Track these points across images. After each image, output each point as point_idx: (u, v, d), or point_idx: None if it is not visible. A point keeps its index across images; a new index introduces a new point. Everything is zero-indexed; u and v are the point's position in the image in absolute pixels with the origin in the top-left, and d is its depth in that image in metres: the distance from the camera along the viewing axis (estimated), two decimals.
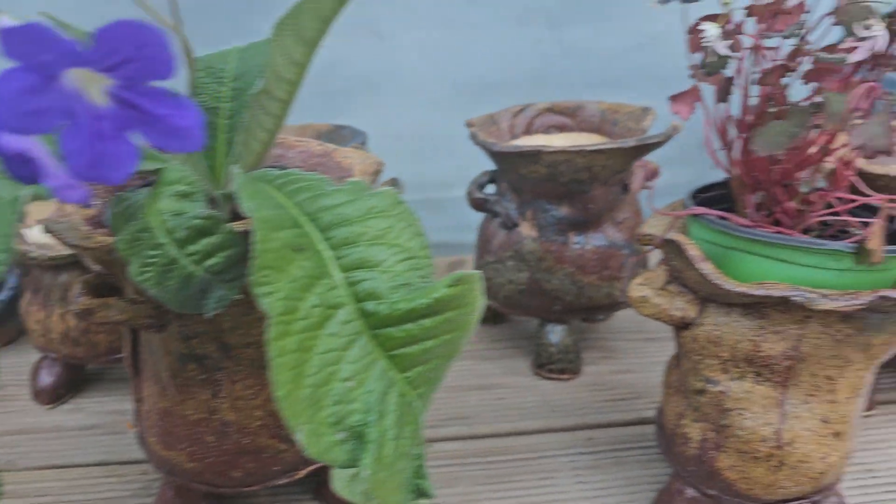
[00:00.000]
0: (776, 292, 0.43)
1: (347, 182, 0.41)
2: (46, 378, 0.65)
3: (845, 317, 0.45)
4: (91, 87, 0.25)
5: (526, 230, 0.66)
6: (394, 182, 0.70)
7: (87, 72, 0.25)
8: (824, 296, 0.42)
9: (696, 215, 0.49)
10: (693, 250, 0.46)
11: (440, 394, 0.68)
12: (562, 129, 0.74)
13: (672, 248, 0.48)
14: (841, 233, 0.49)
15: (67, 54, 0.23)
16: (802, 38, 0.43)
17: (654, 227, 0.52)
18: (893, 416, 0.65)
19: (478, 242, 0.72)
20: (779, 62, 0.42)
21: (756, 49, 0.43)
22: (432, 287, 0.38)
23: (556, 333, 0.69)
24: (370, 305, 0.38)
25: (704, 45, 0.40)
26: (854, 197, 0.48)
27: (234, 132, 0.46)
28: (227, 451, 0.48)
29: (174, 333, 0.45)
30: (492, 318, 0.78)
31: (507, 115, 0.72)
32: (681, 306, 0.49)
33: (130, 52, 0.24)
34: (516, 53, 0.90)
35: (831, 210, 0.47)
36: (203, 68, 0.45)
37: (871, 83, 0.41)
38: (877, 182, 0.57)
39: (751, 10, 0.44)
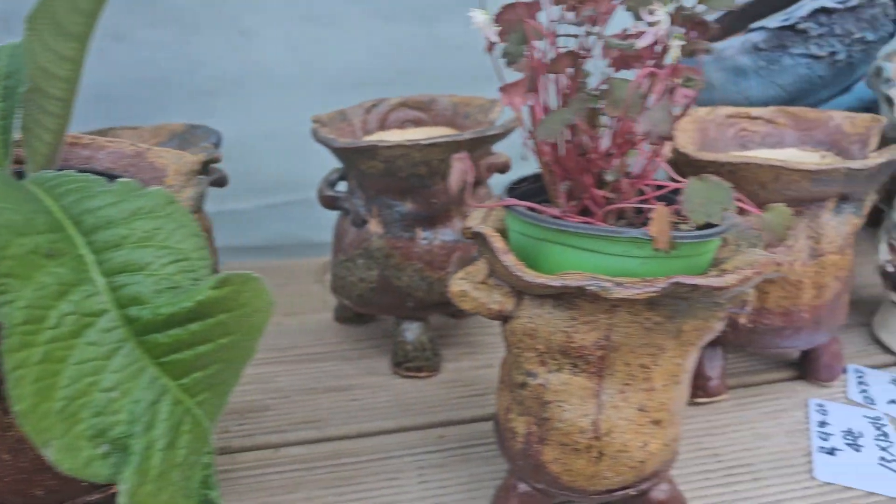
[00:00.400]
0: (572, 282, 0.42)
1: (117, 182, 0.39)
2: None
3: (652, 304, 0.44)
4: None
5: (374, 227, 0.65)
6: (222, 179, 0.68)
7: None
8: (619, 284, 0.42)
9: (509, 207, 0.48)
10: (497, 242, 0.46)
11: (292, 398, 0.66)
12: (417, 123, 0.73)
13: (481, 241, 0.47)
14: None
15: None
16: (594, 24, 0.43)
17: (475, 220, 0.52)
18: (742, 401, 0.66)
19: (332, 241, 0.70)
20: (565, 49, 0.41)
21: (547, 36, 0.42)
22: (196, 290, 0.36)
23: (411, 331, 0.68)
24: (134, 311, 0.36)
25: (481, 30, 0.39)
26: (661, 183, 0.48)
27: (8, 133, 0.43)
28: (24, 469, 0.45)
29: None
30: (354, 318, 0.77)
31: (359, 111, 0.71)
32: (498, 299, 0.48)
33: None
34: (387, 49, 0.89)
35: (641, 197, 0.47)
36: None
37: (652, 69, 0.41)
38: (706, 169, 0.57)
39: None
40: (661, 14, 0.41)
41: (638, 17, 0.42)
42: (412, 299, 0.65)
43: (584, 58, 0.42)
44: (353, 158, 0.61)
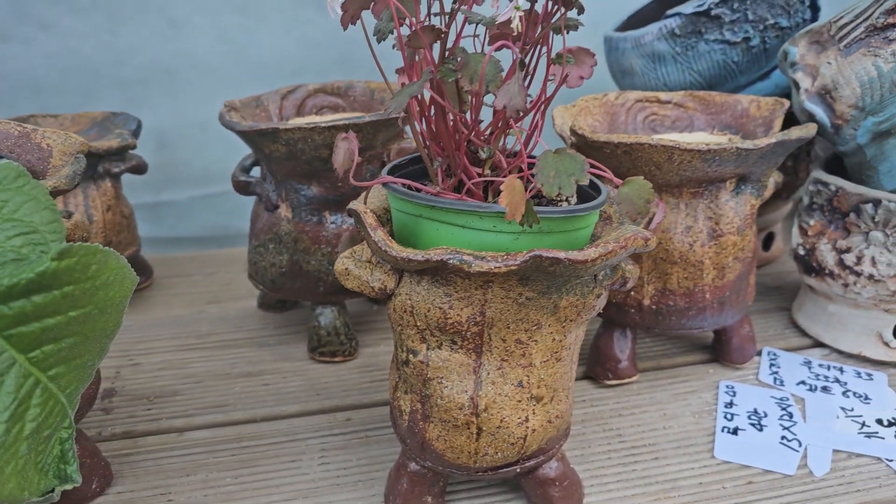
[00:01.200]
0: (434, 256, 0.43)
1: None
2: None
3: (524, 280, 0.45)
4: None
5: (283, 211, 0.65)
6: (141, 166, 0.69)
7: None
8: (480, 258, 0.42)
9: (389, 186, 0.48)
10: (369, 218, 0.46)
11: (204, 383, 0.66)
12: (334, 109, 0.73)
13: (356, 218, 0.47)
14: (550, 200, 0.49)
15: None
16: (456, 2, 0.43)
17: (360, 200, 0.52)
18: (654, 383, 0.66)
19: (250, 227, 0.70)
20: (420, 24, 0.42)
21: (413, 13, 0.42)
22: (38, 261, 0.36)
23: (324, 316, 0.68)
24: None
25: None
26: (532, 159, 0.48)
27: None
28: None
29: None
30: (277, 305, 0.77)
31: (275, 97, 0.71)
32: (379, 277, 0.48)
33: None
34: (321, 39, 0.89)
35: (518, 175, 0.47)
36: None
37: (505, 42, 0.41)
38: (603, 150, 0.58)
39: None
40: None
41: None
42: (323, 284, 0.65)
43: (444, 33, 0.42)
44: (258, 142, 0.61)
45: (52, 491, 0.39)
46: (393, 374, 0.52)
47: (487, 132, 0.48)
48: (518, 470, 0.50)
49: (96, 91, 0.87)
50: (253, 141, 0.62)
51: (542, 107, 0.48)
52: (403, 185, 0.47)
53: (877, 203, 0.63)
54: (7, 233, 0.37)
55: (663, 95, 0.68)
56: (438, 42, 0.43)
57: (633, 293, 0.62)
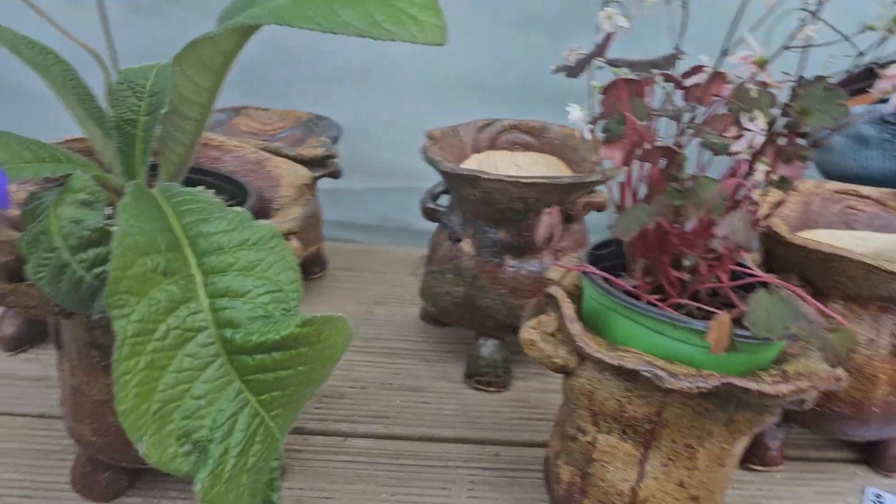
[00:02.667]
0: (628, 364, 0.45)
1: (231, 211, 0.44)
2: (9, 328, 0.71)
3: (706, 394, 0.46)
4: None
5: (467, 247, 0.68)
6: (336, 173, 0.73)
7: None
8: (673, 375, 0.44)
9: (588, 275, 0.50)
10: (567, 308, 0.48)
11: (368, 389, 0.71)
12: (526, 147, 0.75)
13: (552, 303, 0.50)
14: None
15: None
16: (692, 120, 0.44)
17: (556, 274, 0.54)
18: (799, 475, 0.66)
19: (428, 249, 0.74)
20: (660, 143, 0.43)
21: (638, 130, 0.43)
22: (284, 324, 0.41)
23: (486, 347, 0.71)
24: (228, 332, 0.41)
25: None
26: (743, 270, 0.48)
27: (148, 143, 0.49)
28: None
29: (80, 322, 0.49)
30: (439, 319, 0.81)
31: (471, 129, 0.74)
32: (562, 355, 0.51)
33: None
34: (511, 58, 0.91)
35: (715, 284, 0.48)
36: (124, 81, 0.48)
37: (740, 181, 0.41)
38: (798, 253, 0.57)
39: (687, 92, 0.45)
40: (760, 124, 0.41)
41: (737, 121, 0.43)
42: (492, 320, 0.69)
43: (677, 155, 0.43)
44: (456, 182, 0.65)
45: None
46: (556, 440, 0.55)
47: (687, 237, 0.49)
48: None
49: (295, 81, 0.93)
50: (451, 180, 0.65)
51: (758, 223, 0.48)
52: (602, 277, 0.49)
53: None
54: (259, 290, 0.42)
55: (863, 189, 0.66)
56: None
57: None
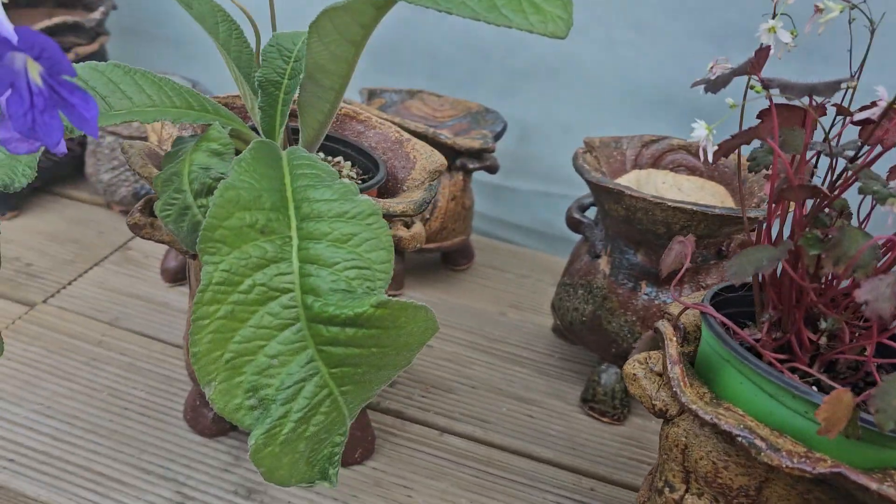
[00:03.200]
0: (724, 426, 0.39)
1: (339, 182, 0.44)
2: (172, 261, 0.77)
3: (818, 480, 0.40)
4: (32, 69, 0.31)
5: (603, 264, 0.64)
6: (493, 167, 0.72)
7: (28, 57, 0.30)
8: (775, 448, 0.38)
9: (705, 316, 0.45)
10: (671, 348, 0.43)
11: (478, 390, 0.70)
12: (691, 171, 0.69)
13: (660, 338, 0.45)
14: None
15: (4, 42, 0.29)
16: (853, 160, 0.37)
17: (676, 309, 0.49)
18: None
19: (567, 260, 0.71)
20: (803, 181, 0.37)
21: (784, 163, 0.38)
22: (360, 301, 0.40)
23: (608, 374, 0.67)
24: (309, 299, 0.41)
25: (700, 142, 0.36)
26: (888, 341, 0.41)
27: (287, 105, 0.50)
28: None
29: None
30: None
31: (635, 143, 0.69)
32: (663, 398, 0.46)
33: (37, 52, 0.29)
34: (701, 74, 0.84)
35: (857, 357, 0.41)
36: (275, 44, 0.50)
37: (884, 237, 0.35)
38: None
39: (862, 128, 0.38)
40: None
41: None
42: (616, 346, 0.64)
43: (825, 198, 0.37)
44: (600, 195, 0.61)
45: (314, 483, 0.45)
46: (645, 487, 0.50)
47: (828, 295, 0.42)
48: None
49: (482, 73, 0.92)
50: (596, 192, 0.62)
51: None
52: (721, 322, 0.43)
53: None
54: (347, 263, 0.42)
55: None
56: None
57: None
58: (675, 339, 0.43)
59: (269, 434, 0.41)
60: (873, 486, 0.36)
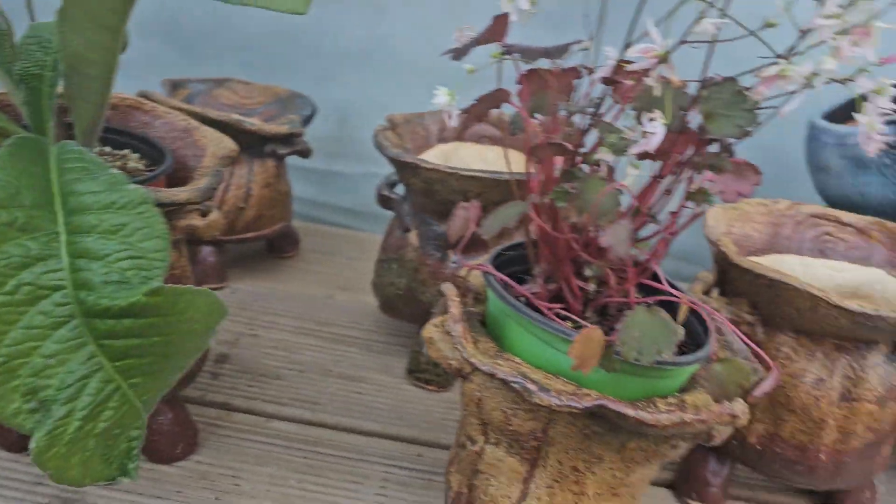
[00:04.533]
0: (500, 374, 0.41)
1: (109, 173, 0.42)
2: None
3: (593, 414, 0.43)
4: None
5: (412, 238, 0.66)
6: (305, 151, 0.72)
7: None
8: (545, 389, 0.40)
9: (486, 276, 0.47)
10: (454, 307, 0.45)
11: (307, 374, 0.70)
12: (495, 141, 0.72)
13: (443, 302, 0.47)
14: None
15: None
16: (595, 114, 0.40)
17: (466, 273, 0.51)
18: None
19: (383, 238, 0.72)
20: (547, 137, 0.39)
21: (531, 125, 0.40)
22: (132, 291, 0.40)
23: None
24: (83, 294, 0.40)
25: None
26: (657, 286, 0.45)
27: (52, 99, 0.48)
28: None
29: None
30: None
31: (438, 118, 0.71)
32: (459, 358, 0.48)
33: None
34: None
35: (621, 299, 0.45)
36: (34, 36, 0.48)
37: (621, 184, 0.38)
38: (744, 276, 0.53)
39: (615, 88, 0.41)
40: (658, 124, 0.37)
41: (639, 121, 0.39)
42: (432, 316, 0.66)
43: (572, 152, 0.40)
44: (400, 170, 0.62)
45: (115, 480, 0.44)
46: (454, 445, 0.52)
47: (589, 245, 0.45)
48: None
49: (295, 60, 0.92)
50: (397, 168, 0.63)
51: (672, 235, 0.44)
52: (501, 280, 0.46)
53: None
54: (119, 254, 0.41)
55: (845, 216, 0.60)
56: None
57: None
58: (456, 298, 0.45)
59: (52, 435, 0.40)
60: (630, 412, 0.39)
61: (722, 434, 0.45)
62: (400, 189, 0.70)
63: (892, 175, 0.65)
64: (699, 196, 0.42)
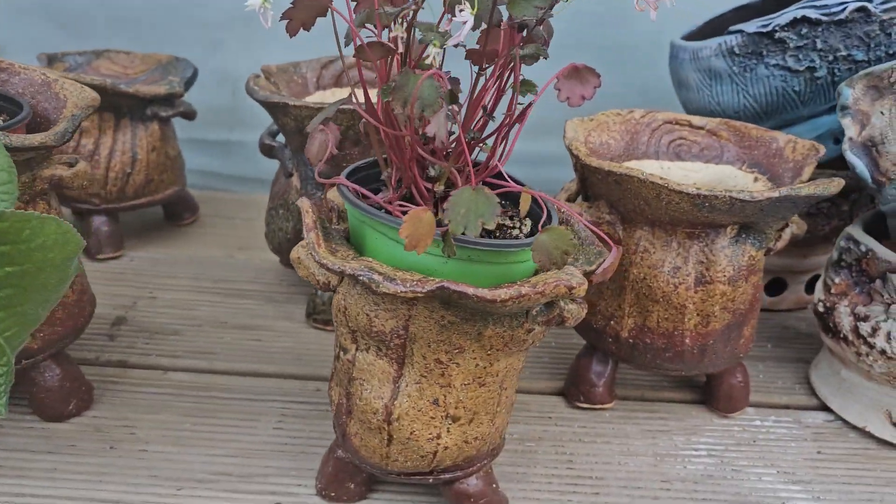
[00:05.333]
0: (348, 270, 0.43)
1: None
2: None
3: (446, 304, 0.45)
4: None
5: (295, 181, 0.67)
6: (189, 113, 0.73)
7: None
8: (390, 279, 0.42)
9: (340, 188, 0.49)
10: (307, 218, 0.47)
11: (203, 327, 0.71)
12: (374, 85, 0.73)
13: (300, 216, 0.48)
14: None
15: None
16: (413, 15, 0.42)
17: (332, 193, 0.53)
18: (630, 414, 0.64)
19: (271, 187, 0.73)
20: (371, 39, 0.41)
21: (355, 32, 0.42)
22: None
23: None
24: None
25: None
26: (501, 182, 0.47)
27: None
28: None
29: None
30: None
31: (315, 66, 0.73)
32: (325, 272, 0.49)
33: None
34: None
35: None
36: None
37: (436, 72, 0.40)
38: (595, 175, 0.55)
39: None
40: (467, 14, 0.40)
41: (452, 13, 0.41)
42: None
43: (393, 51, 0.42)
44: (273, 113, 0.64)
45: None
46: (333, 362, 0.54)
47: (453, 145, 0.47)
48: (430, 480, 0.51)
49: (183, 31, 0.92)
50: (269, 111, 0.64)
51: (507, 129, 0.47)
52: (355, 190, 0.48)
53: None
54: None
55: (696, 120, 0.64)
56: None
57: (612, 323, 0.60)
58: (310, 209, 0.47)
59: None
60: (470, 290, 0.41)
61: (574, 315, 0.47)
62: (282, 138, 0.72)
63: (741, 83, 0.69)
64: (525, 87, 0.44)
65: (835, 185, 0.54)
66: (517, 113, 0.46)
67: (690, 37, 0.77)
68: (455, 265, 0.45)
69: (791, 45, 0.65)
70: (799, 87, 0.67)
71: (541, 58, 0.43)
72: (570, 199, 0.60)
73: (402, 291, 0.42)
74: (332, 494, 0.54)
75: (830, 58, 0.65)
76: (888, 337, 0.58)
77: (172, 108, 0.76)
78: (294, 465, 0.57)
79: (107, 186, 0.74)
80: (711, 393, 0.65)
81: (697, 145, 0.64)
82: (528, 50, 0.43)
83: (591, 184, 0.58)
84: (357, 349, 0.49)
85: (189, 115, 0.78)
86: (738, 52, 0.67)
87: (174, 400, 0.62)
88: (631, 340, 0.59)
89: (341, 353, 0.50)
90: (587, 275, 0.47)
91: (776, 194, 0.52)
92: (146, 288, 0.76)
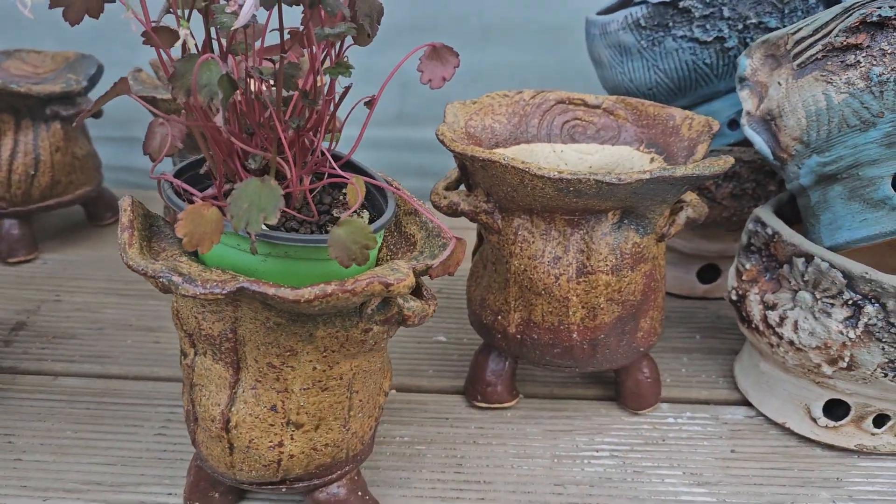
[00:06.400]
0: (150, 272, 0.41)
1: None
2: None
3: (268, 305, 0.42)
4: None
5: None
6: (96, 113, 0.71)
7: None
8: (190, 281, 0.40)
9: (161, 185, 0.46)
10: (124, 217, 0.44)
11: (105, 331, 0.69)
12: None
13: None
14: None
15: None
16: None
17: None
18: (533, 413, 0.61)
19: None
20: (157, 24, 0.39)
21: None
22: None
23: None
24: None
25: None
26: (340, 172, 0.44)
27: None
28: None
29: None
30: None
31: None
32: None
33: None
34: None
35: (301, 188, 0.44)
36: None
37: (213, 56, 0.37)
38: (464, 161, 0.52)
39: None
40: None
41: None
42: None
43: (171, 35, 0.39)
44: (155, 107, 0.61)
45: None
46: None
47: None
48: (284, 490, 0.49)
49: (104, 30, 0.90)
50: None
51: (329, 116, 0.44)
52: (176, 187, 0.45)
53: (809, 259, 0.53)
54: None
55: (591, 98, 0.60)
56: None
57: (499, 318, 0.56)
58: (128, 207, 0.45)
59: None
60: (270, 290, 0.39)
61: (417, 313, 0.44)
62: None
63: (651, 57, 0.64)
64: (337, 69, 0.41)
65: (720, 164, 0.50)
66: (338, 98, 0.44)
67: (607, 12, 0.73)
68: (275, 263, 0.42)
69: (696, 14, 0.61)
70: (710, 60, 0.62)
71: (349, 36, 0.40)
72: (450, 187, 0.57)
73: (200, 294, 0.39)
74: None
75: (740, 26, 0.61)
76: (795, 326, 0.54)
77: (73, 107, 0.74)
78: (169, 472, 0.55)
79: (11, 189, 0.73)
80: (617, 390, 0.61)
81: (594, 126, 0.60)
82: (335, 29, 0.39)
83: (470, 172, 0.55)
84: (195, 353, 0.47)
85: (95, 113, 0.76)
86: (644, 24, 0.63)
87: (64, 406, 0.60)
88: (518, 336, 0.56)
89: (182, 357, 0.48)
90: (427, 269, 0.43)
91: (646, 176, 0.48)
92: (54, 291, 0.74)
